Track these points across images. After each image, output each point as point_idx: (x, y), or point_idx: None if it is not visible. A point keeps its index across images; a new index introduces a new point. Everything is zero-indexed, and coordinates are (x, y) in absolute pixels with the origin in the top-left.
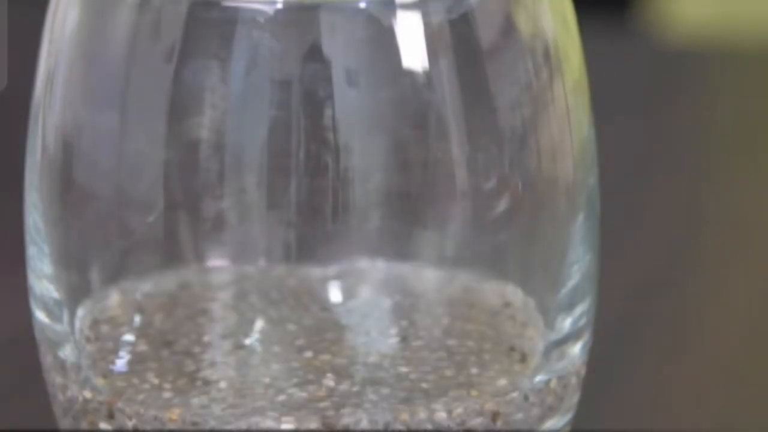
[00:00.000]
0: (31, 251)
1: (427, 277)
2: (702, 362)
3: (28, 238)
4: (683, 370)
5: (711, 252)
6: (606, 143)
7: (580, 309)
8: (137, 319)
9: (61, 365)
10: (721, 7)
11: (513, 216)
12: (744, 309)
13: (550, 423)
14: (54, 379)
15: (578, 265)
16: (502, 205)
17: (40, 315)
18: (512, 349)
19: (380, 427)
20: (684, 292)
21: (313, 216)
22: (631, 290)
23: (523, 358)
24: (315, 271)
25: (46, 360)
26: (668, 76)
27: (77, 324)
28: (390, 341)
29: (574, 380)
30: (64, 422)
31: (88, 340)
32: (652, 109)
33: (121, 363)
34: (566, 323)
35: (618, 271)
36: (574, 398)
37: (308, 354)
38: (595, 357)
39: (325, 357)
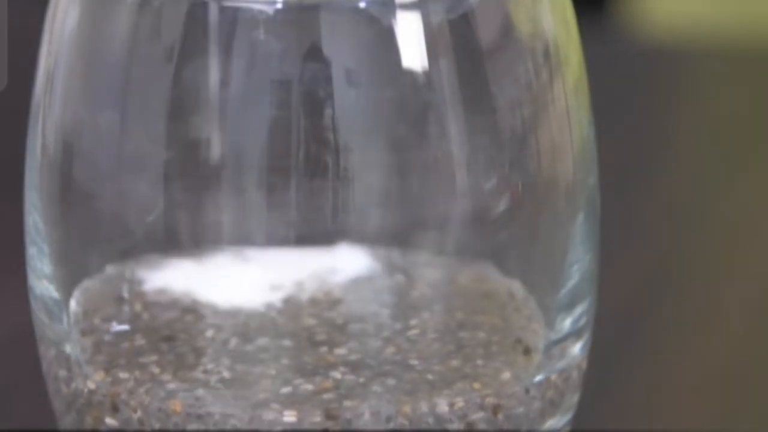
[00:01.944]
0: (31, 251)
1: (434, 269)
2: (701, 362)
3: (28, 238)
4: (683, 370)
5: (711, 252)
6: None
7: (580, 309)
8: (131, 310)
9: (66, 358)
10: (697, 6)
11: (513, 216)
12: (744, 309)
13: (551, 422)
14: (57, 372)
15: (578, 265)
16: (502, 205)
17: (40, 315)
18: (518, 341)
19: (382, 419)
20: (683, 292)
21: (312, 216)
22: (631, 290)
23: (527, 351)
24: (313, 268)
25: (49, 353)
26: (644, 75)
27: (72, 318)
28: (397, 333)
29: (575, 374)
30: (67, 419)
31: (83, 333)
32: (629, 108)
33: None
34: (566, 323)
35: (618, 271)
36: (574, 397)
37: (315, 347)
38: (595, 357)
39: (336, 351)
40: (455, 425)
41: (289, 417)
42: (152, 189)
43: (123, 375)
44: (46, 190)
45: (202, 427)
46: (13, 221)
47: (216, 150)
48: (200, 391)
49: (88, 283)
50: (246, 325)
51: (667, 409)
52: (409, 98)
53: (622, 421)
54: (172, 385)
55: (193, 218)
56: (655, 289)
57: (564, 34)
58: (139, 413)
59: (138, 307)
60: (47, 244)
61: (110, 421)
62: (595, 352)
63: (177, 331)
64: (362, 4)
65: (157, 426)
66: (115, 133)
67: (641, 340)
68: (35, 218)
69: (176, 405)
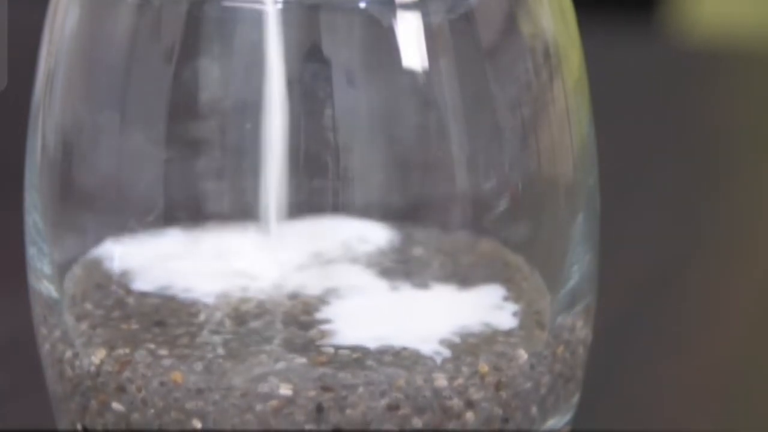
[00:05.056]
0: (31, 251)
1: (457, 240)
2: (702, 362)
3: (28, 238)
4: (683, 370)
5: (712, 252)
6: (631, 144)
7: (580, 309)
8: (119, 297)
9: (71, 343)
10: (746, 9)
11: (512, 216)
12: (744, 309)
13: (551, 422)
14: (64, 353)
15: (578, 265)
16: (502, 205)
17: (40, 314)
18: (537, 312)
19: (377, 393)
20: (684, 292)
21: (312, 214)
22: (631, 290)
23: (541, 325)
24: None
25: (54, 335)
26: (693, 78)
27: (66, 302)
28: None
29: (581, 349)
30: (72, 405)
31: (78, 318)
32: (675, 110)
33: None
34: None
35: (618, 271)
36: (575, 395)
37: (311, 323)
38: (595, 357)
39: (329, 327)
40: (454, 402)
41: (285, 391)
42: (152, 189)
43: (123, 351)
44: (46, 190)
45: (201, 403)
46: (13, 221)
47: (215, 149)
48: (198, 366)
49: (75, 269)
50: (237, 309)
51: (667, 409)
52: (409, 98)
53: (622, 421)
54: (169, 361)
55: (192, 218)
56: (655, 289)
57: (564, 34)
58: (143, 393)
59: (123, 293)
60: (47, 244)
61: (116, 406)
62: (595, 353)
63: (169, 316)
64: (362, 4)
65: (160, 405)
66: (115, 133)
67: (641, 340)
68: (35, 218)
69: (176, 376)
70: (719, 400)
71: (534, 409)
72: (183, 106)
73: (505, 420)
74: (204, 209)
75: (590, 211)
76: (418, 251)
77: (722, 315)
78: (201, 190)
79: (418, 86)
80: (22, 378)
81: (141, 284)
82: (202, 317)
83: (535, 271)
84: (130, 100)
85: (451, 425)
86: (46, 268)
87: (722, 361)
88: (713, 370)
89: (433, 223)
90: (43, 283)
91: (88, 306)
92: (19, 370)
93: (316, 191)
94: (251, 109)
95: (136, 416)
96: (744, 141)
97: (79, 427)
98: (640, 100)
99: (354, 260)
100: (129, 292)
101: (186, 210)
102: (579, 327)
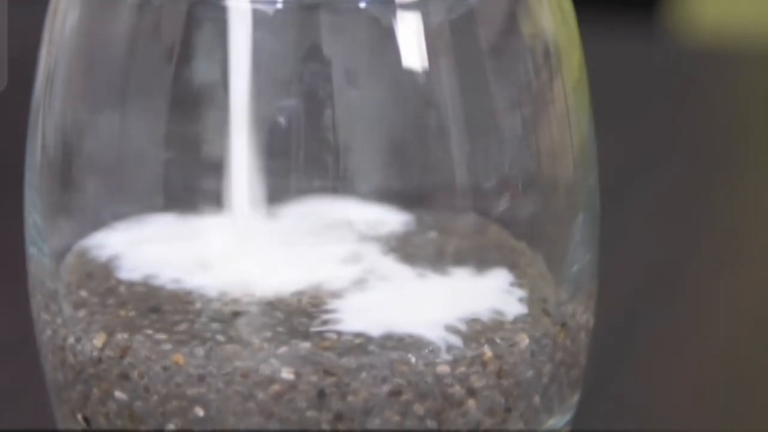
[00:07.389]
0: (31, 251)
1: (466, 224)
2: (702, 362)
3: (28, 238)
4: (683, 370)
5: (712, 252)
6: (631, 144)
7: (580, 301)
8: (117, 281)
9: (72, 329)
10: (750, 8)
11: (511, 216)
12: (744, 309)
13: (551, 422)
14: (65, 339)
15: (578, 264)
16: (501, 205)
17: (40, 313)
18: (544, 300)
19: (379, 379)
20: (684, 292)
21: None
22: (631, 290)
23: (547, 312)
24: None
25: (56, 321)
26: (694, 77)
27: (62, 291)
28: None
29: (582, 335)
30: (73, 394)
31: (75, 306)
32: (677, 110)
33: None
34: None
35: (618, 271)
36: (577, 389)
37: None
38: (595, 357)
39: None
40: (456, 389)
41: (287, 375)
42: (152, 189)
43: (122, 336)
44: (46, 190)
45: (203, 390)
46: (13, 221)
47: (215, 149)
48: (199, 351)
49: (68, 258)
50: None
51: (667, 409)
52: (409, 98)
53: (622, 421)
54: (169, 345)
55: (192, 218)
56: (655, 289)
57: (564, 34)
58: (145, 380)
59: (114, 282)
60: (47, 244)
61: (119, 394)
62: (595, 353)
63: (164, 301)
64: (362, 4)
65: (163, 391)
66: (115, 133)
67: (641, 340)
68: (35, 218)
69: (178, 358)
70: (719, 400)
71: (537, 399)
72: (183, 106)
73: (508, 410)
74: (204, 208)
75: (590, 211)
76: (422, 240)
77: (722, 315)
78: (202, 190)
79: (418, 86)
80: (22, 378)
81: (132, 274)
82: (198, 305)
83: (539, 256)
84: (130, 100)
85: (453, 413)
86: (47, 267)
87: (722, 360)
88: (713, 370)
89: (431, 221)
90: (43, 281)
91: (84, 294)
92: (19, 370)
93: (315, 191)
94: (250, 107)
95: (138, 404)
96: (746, 141)
97: (79, 416)
98: (641, 99)
99: (357, 247)
100: (120, 281)
101: (186, 207)
102: (580, 313)
